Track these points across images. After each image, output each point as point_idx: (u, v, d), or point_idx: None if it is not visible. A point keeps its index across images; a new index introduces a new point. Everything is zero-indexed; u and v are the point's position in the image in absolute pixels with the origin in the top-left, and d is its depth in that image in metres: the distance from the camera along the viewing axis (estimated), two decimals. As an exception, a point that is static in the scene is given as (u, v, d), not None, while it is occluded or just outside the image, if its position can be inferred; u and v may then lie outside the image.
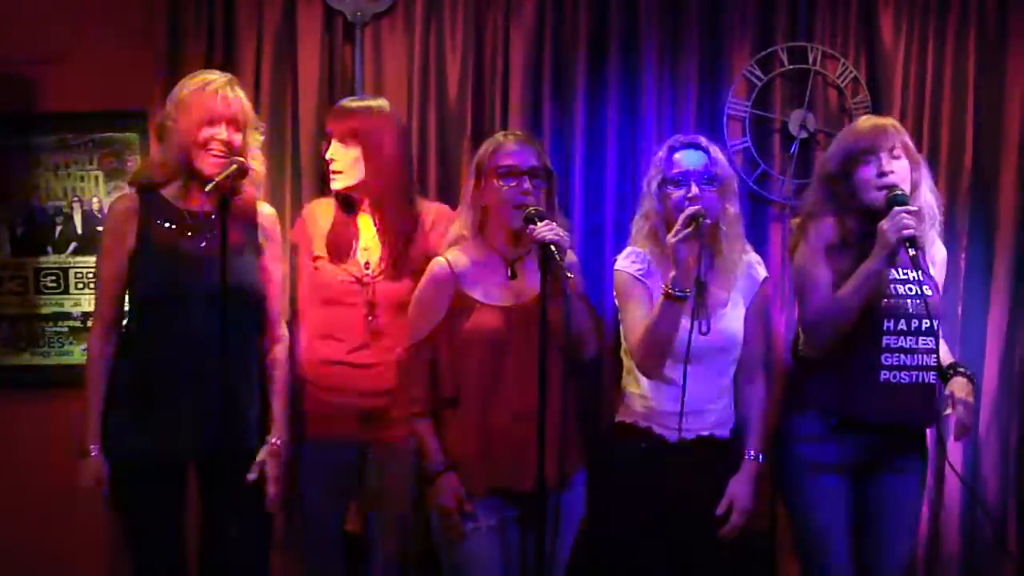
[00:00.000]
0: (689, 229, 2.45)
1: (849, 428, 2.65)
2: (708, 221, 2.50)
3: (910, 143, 2.68)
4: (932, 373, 2.66)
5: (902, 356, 2.63)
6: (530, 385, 2.38)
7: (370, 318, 2.75)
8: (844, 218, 2.65)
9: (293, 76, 3.33)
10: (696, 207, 2.49)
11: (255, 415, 2.63)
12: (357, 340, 2.75)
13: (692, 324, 2.55)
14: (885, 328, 2.63)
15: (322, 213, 2.85)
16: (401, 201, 2.79)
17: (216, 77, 2.57)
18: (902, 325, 2.63)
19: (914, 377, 2.64)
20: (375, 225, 2.80)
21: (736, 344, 2.65)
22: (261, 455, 2.63)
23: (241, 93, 2.59)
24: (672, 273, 2.47)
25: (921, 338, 2.64)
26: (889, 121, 2.68)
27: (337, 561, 2.87)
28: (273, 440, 2.66)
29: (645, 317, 2.58)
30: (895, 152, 2.61)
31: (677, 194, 2.59)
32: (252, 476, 2.60)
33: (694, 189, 2.57)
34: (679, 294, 2.47)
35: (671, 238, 2.46)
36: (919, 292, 2.65)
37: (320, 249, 2.81)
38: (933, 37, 3.34)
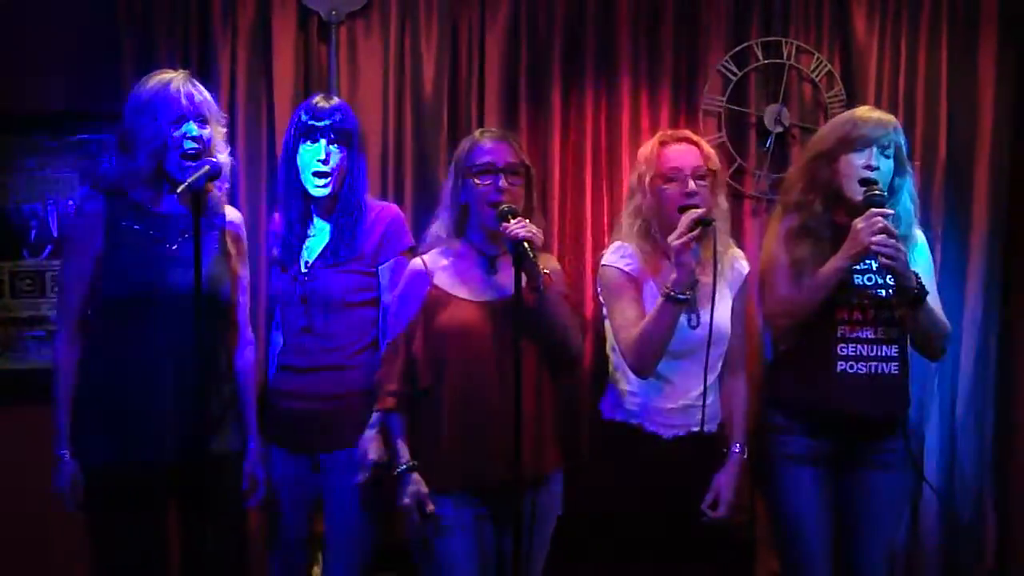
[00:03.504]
0: (695, 233, 2.44)
1: (815, 420, 2.66)
2: (716, 224, 2.49)
3: (904, 148, 2.68)
4: (894, 364, 2.66)
5: (859, 347, 2.64)
6: (506, 380, 2.39)
7: (303, 316, 2.71)
8: (813, 202, 2.66)
9: (268, 76, 3.31)
10: (702, 210, 2.48)
11: (225, 419, 2.60)
12: (296, 342, 2.73)
13: (687, 318, 2.57)
14: (839, 318, 2.63)
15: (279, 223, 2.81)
16: (361, 201, 2.76)
17: (173, 75, 2.53)
18: (857, 315, 2.64)
19: (872, 368, 2.64)
20: (333, 224, 2.75)
21: (725, 336, 2.66)
22: (248, 462, 2.64)
23: (201, 87, 2.56)
24: (673, 276, 2.46)
25: (880, 328, 2.64)
26: (892, 119, 2.68)
27: (300, 562, 2.86)
28: (251, 446, 2.66)
29: (639, 317, 2.57)
30: (888, 151, 2.62)
31: (672, 189, 2.58)
32: (245, 486, 2.63)
33: (691, 185, 2.56)
34: (681, 297, 2.46)
35: (674, 240, 2.44)
36: (877, 282, 2.65)
37: (271, 256, 2.80)
38: (906, 31, 3.36)
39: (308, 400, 2.71)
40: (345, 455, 2.68)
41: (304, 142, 2.69)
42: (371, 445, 2.62)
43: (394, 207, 2.87)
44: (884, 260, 2.49)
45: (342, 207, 2.72)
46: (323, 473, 2.75)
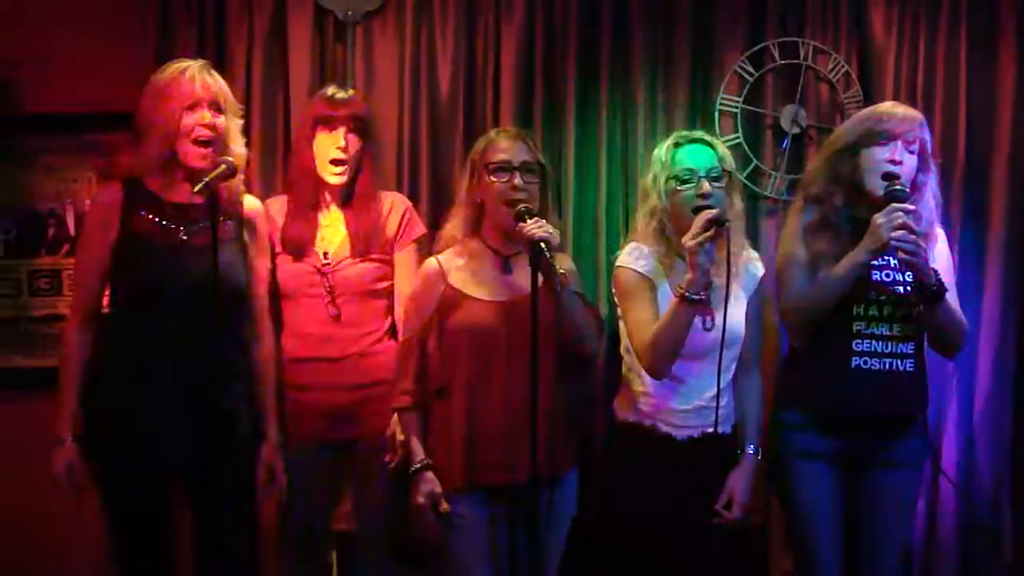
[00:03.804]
0: (709, 233, 2.43)
1: (829, 416, 2.64)
2: (730, 224, 2.48)
3: (929, 144, 2.66)
4: (910, 361, 2.64)
5: (874, 343, 2.62)
6: (520, 380, 2.39)
7: (331, 307, 2.73)
8: (834, 196, 2.64)
9: (284, 75, 3.33)
10: (716, 210, 2.47)
11: (240, 412, 2.61)
12: (320, 333, 2.74)
13: (701, 320, 2.57)
14: (855, 313, 2.62)
15: (278, 211, 2.82)
16: (376, 191, 2.80)
17: (190, 63, 2.55)
18: (873, 311, 2.62)
19: (887, 364, 2.62)
20: (347, 215, 2.78)
21: (739, 338, 2.65)
22: (265, 454, 2.64)
23: (218, 76, 2.58)
24: (688, 276, 2.45)
25: (896, 325, 2.62)
26: (919, 115, 2.66)
27: (319, 560, 2.87)
28: (270, 437, 2.66)
29: (653, 318, 2.56)
30: (912, 147, 2.60)
31: (686, 191, 2.57)
32: (262, 478, 2.63)
33: (705, 186, 2.55)
34: (695, 298, 2.45)
35: (689, 241, 2.43)
36: (896, 278, 2.63)
37: (279, 246, 2.78)
38: (924, 31, 3.33)
39: (336, 390, 2.73)
40: (376, 442, 2.71)
41: (322, 130, 2.72)
42: (399, 427, 2.65)
43: (403, 196, 2.92)
44: (903, 256, 2.47)
45: (360, 196, 2.75)
46: (353, 462, 2.78)
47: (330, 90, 2.78)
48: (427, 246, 2.86)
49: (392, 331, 2.81)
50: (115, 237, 2.52)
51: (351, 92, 2.80)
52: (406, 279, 2.78)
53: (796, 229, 2.69)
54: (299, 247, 2.75)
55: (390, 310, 2.81)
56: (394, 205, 2.84)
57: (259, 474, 2.66)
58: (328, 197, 2.79)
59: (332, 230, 2.77)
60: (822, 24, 3.36)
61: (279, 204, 2.83)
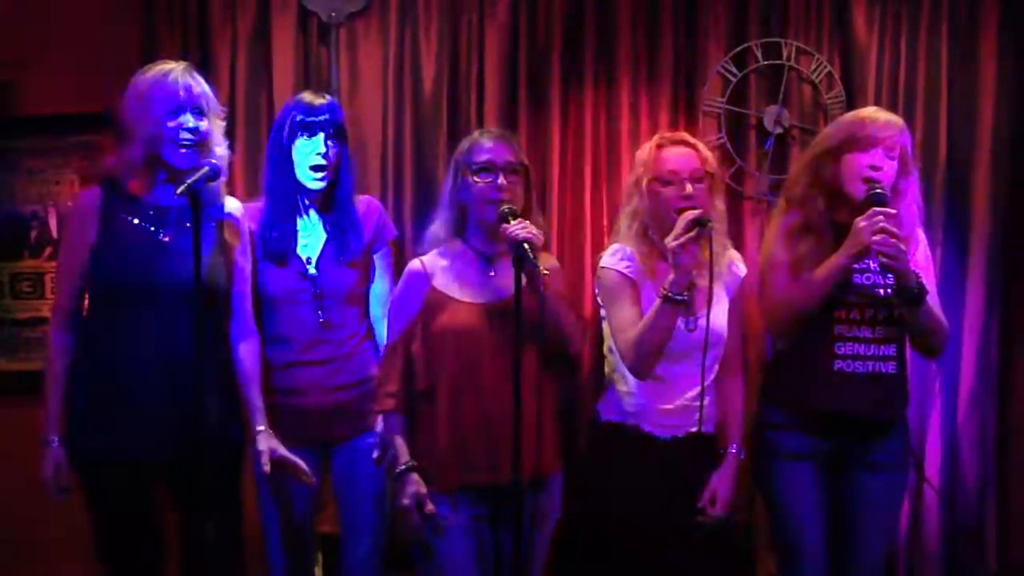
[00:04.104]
0: (692, 234, 2.43)
1: (813, 418, 2.65)
2: (713, 225, 2.49)
3: (910, 151, 2.66)
4: (892, 363, 2.65)
5: (856, 345, 2.63)
6: (505, 381, 2.39)
7: (320, 312, 2.74)
8: (816, 199, 2.65)
9: (268, 78, 3.33)
10: (699, 211, 2.47)
11: (223, 412, 2.59)
12: (309, 337, 2.74)
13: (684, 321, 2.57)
14: (836, 316, 2.63)
15: (253, 217, 2.77)
16: (354, 195, 2.81)
17: (173, 66, 2.54)
18: (855, 314, 2.63)
19: (870, 367, 2.62)
20: (327, 220, 2.78)
21: (722, 339, 2.66)
22: (261, 445, 2.60)
23: (201, 79, 2.56)
24: (671, 277, 2.45)
25: (878, 328, 2.63)
26: (900, 121, 2.66)
27: (303, 561, 2.86)
28: (260, 428, 2.62)
29: (637, 318, 2.57)
30: (893, 152, 2.61)
31: (669, 192, 2.58)
32: (267, 469, 2.60)
33: (688, 188, 2.56)
34: (678, 298, 2.46)
35: (672, 242, 2.44)
36: (876, 281, 2.63)
37: (259, 252, 2.75)
38: (906, 31, 3.35)
39: (325, 392, 2.73)
40: (367, 438, 2.73)
41: (301, 136, 2.71)
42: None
43: (374, 199, 2.93)
44: (884, 259, 2.48)
45: (340, 201, 2.76)
46: (343, 460, 2.78)
47: (308, 96, 2.77)
48: (398, 248, 2.89)
49: (370, 332, 2.82)
50: (94, 239, 2.51)
51: (328, 97, 2.79)
52: (384, 281, 2.82)
53: (778, 231, 2.70)
54: (282, 254, 2.75)
55: (368, 312, 2.83)
56: (368, 208, 2.84)
57: (263, 466, 2.61)
58: (306, 202, 2.78)
59: (312, 235, 2.77)
60: (805, 24, 3.37)
61: (254, 210, 2.80)
